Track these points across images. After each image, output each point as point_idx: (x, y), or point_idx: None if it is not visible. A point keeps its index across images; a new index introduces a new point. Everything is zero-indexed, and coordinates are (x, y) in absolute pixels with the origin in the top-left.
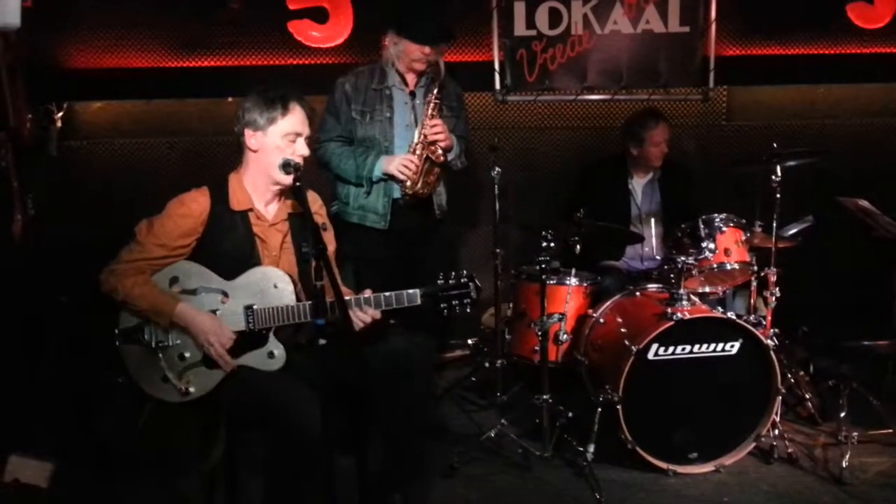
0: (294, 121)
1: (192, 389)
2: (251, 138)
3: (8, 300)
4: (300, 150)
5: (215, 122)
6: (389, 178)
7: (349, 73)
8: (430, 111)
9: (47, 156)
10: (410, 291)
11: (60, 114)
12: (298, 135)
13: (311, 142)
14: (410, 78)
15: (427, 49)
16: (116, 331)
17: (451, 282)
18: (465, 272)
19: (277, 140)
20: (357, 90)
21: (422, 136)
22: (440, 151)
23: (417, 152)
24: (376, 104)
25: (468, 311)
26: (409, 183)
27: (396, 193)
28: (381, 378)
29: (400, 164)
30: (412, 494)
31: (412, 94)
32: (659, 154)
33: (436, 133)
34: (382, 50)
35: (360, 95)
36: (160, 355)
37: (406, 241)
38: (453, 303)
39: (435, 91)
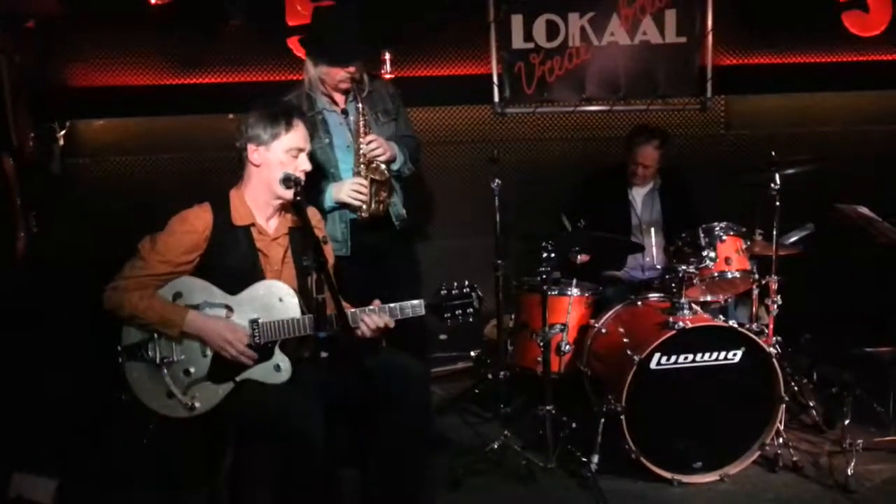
0: (297, 136)
1: (197, 405)
2: (254, 153)
3: (11, 317)
4: (302, 166)
5: (216, 138)
6: (342, 206)
7: None
8: (360, 129)
9: (50, 173)
10: (415, 302)
11: (63, 132)
12: (301, 150)
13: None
14: (339, 97)
15: (351, 68)
16: (119, 348)
17: (454, 292)
18: (467, 282)
19: (280, 155)
20: None
21: (361, 157)
22: (383, 167)
23: (363, 173)
24: (312, 132)
25: (471, 320)
26: (364, 207)
27: (351, 214)
28: (380, 393)
29: (349, 189)
30: None
31: (345, 113)
32: (639, 173)
33: (372, 150)
34: (304, 75)
35: None
36: (165, 371)
37: (371, 259)
38: (457, 312)
39: (360, 107)
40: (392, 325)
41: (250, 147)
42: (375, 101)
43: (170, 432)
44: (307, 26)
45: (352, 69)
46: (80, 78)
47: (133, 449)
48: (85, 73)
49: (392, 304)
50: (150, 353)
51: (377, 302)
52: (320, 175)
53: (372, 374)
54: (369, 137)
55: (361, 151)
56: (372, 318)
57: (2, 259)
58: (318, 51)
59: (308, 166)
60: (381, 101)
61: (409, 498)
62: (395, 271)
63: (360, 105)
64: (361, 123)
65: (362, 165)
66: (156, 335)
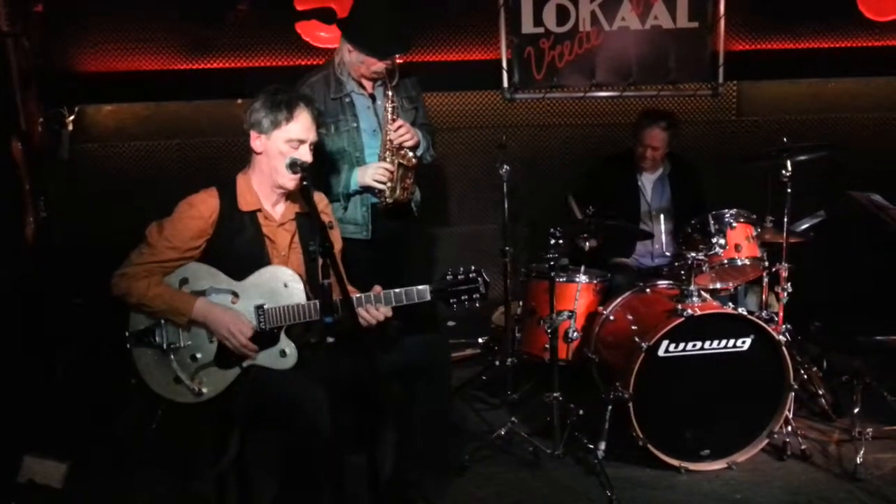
0: (298, 127)
1: (205, 390)
2: (256, 140)
3: (22, 302)
4: (303, 158)
5: (224, 123)
6: (366, 190)
7: (302, 87)
8: (389, 115)
9: (59, 159)
10: (420, 288)
11: (72, 117)
12: (302, 142)
13: (315, 148)
14: (367, 82)
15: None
16: (127, 333)
17: (459, 277)
18: (472, 267)
19: (281, 145)
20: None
21: (388, 143)
22: (410, 154)
23: (388, 159)
24: (339, 114)
25: (477, 305)
26: (388, 192)
27: (373, 199)
28: (413, 371)
29: (375, 173)
30: (432, 490)
31: (372, 97)
32: (646, 156)
33: (401, 136)
34: (335, 56)
35: (321, 107)
36: (172, 357)
37: (387, 244)
38: (462, 298)
39: (390, 94)
40: (390, 314)
41: (252, 134)
42: (400, 88)
43: (178, 417)
44: (348, 11)
45: (389, 61)
46: (88, 63)
47: (142, 434)
48: (94, 58)
49: (398, 290)
50: (157, 338)
51: (377, 288)
52: (336, 160)
53: (404, 354)
54: (398, 123)
55: (389, 137)
56: (370, 311)
57: (11, 244)
58: (359, 39)
59: (309, 159)
60: (405, 89)
61: (426, 480)
62: (406, 257)
63: (389, 91)
64: (390, 109)
65: (388, 151)
66: (163, 321)
